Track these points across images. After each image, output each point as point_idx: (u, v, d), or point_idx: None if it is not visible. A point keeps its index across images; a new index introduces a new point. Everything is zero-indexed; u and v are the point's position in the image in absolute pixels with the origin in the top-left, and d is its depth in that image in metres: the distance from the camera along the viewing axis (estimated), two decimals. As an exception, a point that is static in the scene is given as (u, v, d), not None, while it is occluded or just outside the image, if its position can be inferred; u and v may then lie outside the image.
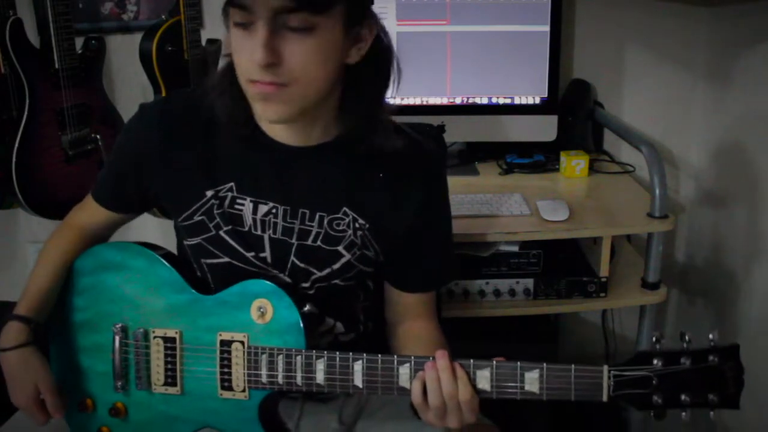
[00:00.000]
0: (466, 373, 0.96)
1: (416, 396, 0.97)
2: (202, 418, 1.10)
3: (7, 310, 1.13)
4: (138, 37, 1.88)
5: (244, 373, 1.06)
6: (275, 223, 1.09)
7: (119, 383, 1.12)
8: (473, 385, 0.96)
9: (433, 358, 0.97)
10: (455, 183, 1.79)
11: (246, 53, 0.93)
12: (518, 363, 0.96)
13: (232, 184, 1.08)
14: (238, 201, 1.08)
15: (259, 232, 1.09)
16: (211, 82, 1.05)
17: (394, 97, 1.10)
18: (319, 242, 1.09)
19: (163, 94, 1.87)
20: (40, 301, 1.13)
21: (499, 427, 1.19)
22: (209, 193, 1.08)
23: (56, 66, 1.81)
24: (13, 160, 1.77)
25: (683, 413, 0.92)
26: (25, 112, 1.78)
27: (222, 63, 1.06)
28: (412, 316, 1.19)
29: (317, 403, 1.21)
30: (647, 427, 1.86)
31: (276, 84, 0.93)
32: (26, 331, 1.09)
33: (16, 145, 1.77)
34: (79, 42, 1.87)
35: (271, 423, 1.11)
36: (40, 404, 1.10)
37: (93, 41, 1.92)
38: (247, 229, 1.09)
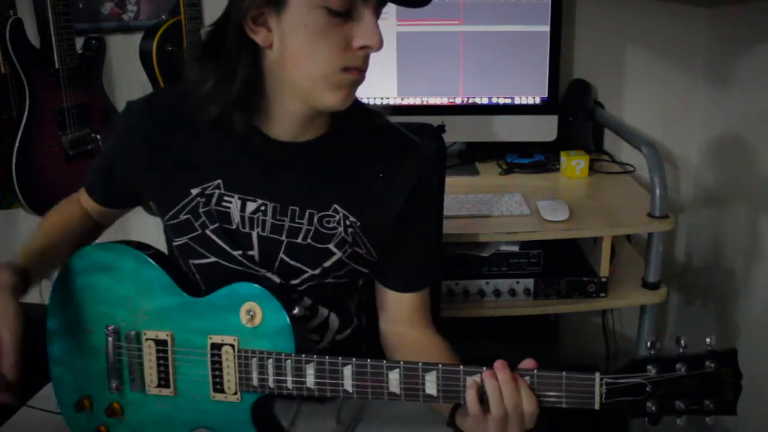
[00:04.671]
0: (528, 384, 0.94)
1: (473, 407, 0.94)
2: (196, 419, 1.09)
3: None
4: (138, 37, 1.88)
5: (235, 377, 1.05)
6: (264, 221, 1.08)
7: (114, 384, 1.11)
8: (536, 395, 0.94)
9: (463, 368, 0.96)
10: (455, 183, 1.80)
11: (342, 43, 0.94)
12: None
13: (219, 181, 1.07)
14: (226, 198, 1.08)
15: (246, 230, 1.08)
16: (218, 95, 1.00)
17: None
18: (309, 240, 1.09)
19: (163, 94, 1.87)
20: (31, 255, 1.10)
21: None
22: (195, 191, 1.07)
23: (56, 66, 1.81)
24: (13, 160, 1.77)
25: (678, 420, 0.91)
26: (26, 112, 1.78)
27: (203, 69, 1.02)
28: (408, 322, 1.18)
29: (314, 404, 1.21)
30: (647, 428, 1.86)
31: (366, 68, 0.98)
32: (7, 272, 1.01)
33: (16, 145, 1.77)
34: (79, 42, 1.87)
35: (264, 425, 1.10)
36: None
37: (93, 41, 1.92)
38: (234, 226, 1.08)
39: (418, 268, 1.18)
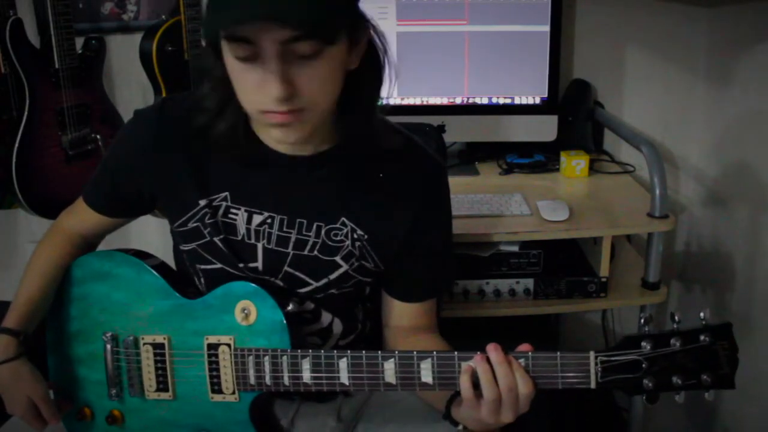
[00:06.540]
0: (522, 366, 0.94)
1: (466, 390, 0.94)
2: (196, 422, 1.10)
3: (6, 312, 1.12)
4: (138, 37, 1.88)
5: (232, 376, 1.06)
6: (270, 233, 1.08)
7: (113, 391, 1.12)
8: (532, 377, 0.94)
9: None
10: (455, 183, 1.78)
11: (254, 87, 0.90)
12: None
13: (226, 193, 1.08)
14: (232, 210, 1.08)
15: (252, 242, 1.09)
16: (207, 102, 1.02)
17: (388, 97, 1.08)
18: (315, 252, 1.09)
19: (164, 94, 1.87)
20: (29, 312, 1.12)
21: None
22: (202, 203, 1.08)
23: (56, 66, 1.81)
24: (13, 160, 1.77)
25: (677, 396, 0.91)
26: (26, 112, 1.78)
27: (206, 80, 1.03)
28: (413, 328, 1.17)
29: (314, 403, 1.21)
30: (646, 427, 1.86)
31: (293, 111, 0.91)
32: (15, 344, 1.09)
33: (16, 145, 1.77)
34: (79, 42, 1.87)
35: (263, 424, 1.11)
36: (35, 413, 1.10)
37: (93, 41, 1.92)
38: (240, 238, 1.09)
39: (426, 280, 1.17)
